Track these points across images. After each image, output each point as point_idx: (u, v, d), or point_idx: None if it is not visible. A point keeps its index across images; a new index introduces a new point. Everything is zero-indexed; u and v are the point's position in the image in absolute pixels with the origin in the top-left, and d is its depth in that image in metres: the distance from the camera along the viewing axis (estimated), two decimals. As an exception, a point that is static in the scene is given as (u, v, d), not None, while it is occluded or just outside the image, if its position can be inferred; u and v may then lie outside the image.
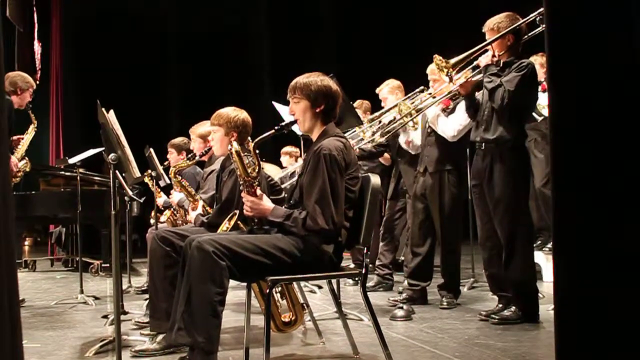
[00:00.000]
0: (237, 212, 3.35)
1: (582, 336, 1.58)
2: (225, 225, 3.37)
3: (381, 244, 5.58)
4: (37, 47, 9.48)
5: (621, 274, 1.54)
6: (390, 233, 5.59)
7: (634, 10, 1.56)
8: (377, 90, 5.36)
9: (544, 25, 3.75)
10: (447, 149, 4.57)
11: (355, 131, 4.99)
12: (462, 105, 4.50)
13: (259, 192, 2.93)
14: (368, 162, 5.76)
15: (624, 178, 1.55)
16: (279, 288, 3.28)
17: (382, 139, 4.98)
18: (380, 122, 5.01)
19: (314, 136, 3.03)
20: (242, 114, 3.77)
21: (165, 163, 5.29)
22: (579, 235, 1.59)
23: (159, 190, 5.34)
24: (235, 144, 2.98)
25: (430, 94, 4.63)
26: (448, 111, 4.55)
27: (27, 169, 5.34)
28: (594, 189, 1.58)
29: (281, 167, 7.35)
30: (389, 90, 5.28)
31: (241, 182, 2.96)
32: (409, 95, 4.88)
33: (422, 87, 4.73)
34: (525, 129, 5.49)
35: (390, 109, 4.92)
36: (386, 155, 5.59)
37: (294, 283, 3.40)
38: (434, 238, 4.70)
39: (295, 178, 3.26)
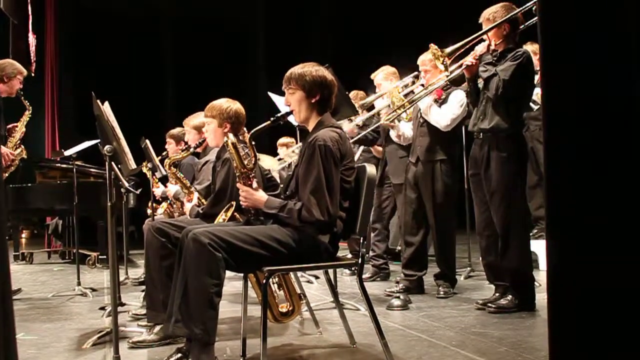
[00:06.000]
0: (234, 203, 3.35)
1: (576, 321, 1.59)
2: (221, 216, 3.37)
3: (372, 234, 5.59)
4: (31, 39, 9.42)
5: (615, 259, 1.55)
6: (379, 222, 5.60)
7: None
8: (372, 76, 5.34)
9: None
10: (439, 138, 4.58)
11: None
12: (454, 96, 4.52)
13: (255, 184, 2.93)
14: (363, 153, 5.76)
15: (617, 164, 1.56)
16: (276, 279, 3.28)
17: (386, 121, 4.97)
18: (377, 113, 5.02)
19: (310, 127, 3.03)
20: (235, 105, 3.76)
21: (164, 153, 5.29)
22: (573, 220, 1.60)
23: (157, 181, 5.34)
24: (231, 135, 2.97)
25: (422, 84, 4.63)
26: (440, 101, 4.56)
27: (24, 156, 5.27)
28: (588, 175, 1.58)
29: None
30: (383, 76, 5.25)
31: (237, 174, 2.95)
32: (403, 80, 4.89)
33: (416, 73, 4.73)
34: (530, 118, 5.54)
35: (383, 94, 4.93)
36: (378, 147, 5.58)
37: (291, 273, 3.40)
38: (427, 228, 4.72)
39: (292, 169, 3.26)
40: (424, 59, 4.49)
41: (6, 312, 1.50)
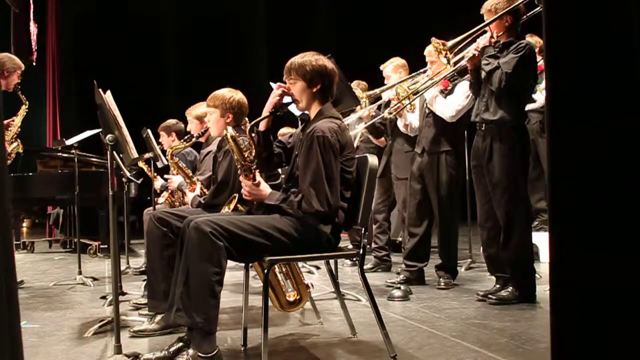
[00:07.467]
0: (237, 195, 3.35)
1: (578, 314, 1.59)
2: (224, 210, 3.38)
3: (373, 227, 5.59)
4: (33, 28, 9.40)
5: (618, 252, 1.55)
6: (379, 214, 5.60)
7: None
8: (381, 67, 5.33)
9: (542, 6, 3.74)
10: (444, 130, 4.57)
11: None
12: (460, 87, 4.50)
13: (257, 176, 2.93)
14: (363, 143, 5.73)
15: (620, 157, 1.56)
16: (283, 268, 3.29)
17: (390, 115, 4.94)
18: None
19: (312, 116, 3.02)
20: (237, 95, 3.75)
21: (158, 147, 5.27)
22: (576, 213, 1.60)
23: (156, 175, 5.33)
24: (230, 129, 2.95)
25: (427, 75, 4.61)
26: (446, 92, 4.55)
27: (20, 150, 5.23)
28: (592, 168, 1.58)
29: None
30: (392, 69, 5.24)
31: (238, 167, 2.95)
32: (412, 75, 4.87)
33: (426, 68, 4.71)
34: (530, 111, 5.51)
35: (391, 86, 4.91)
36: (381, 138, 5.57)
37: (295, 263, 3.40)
38: (431, 219, 4.71)
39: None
40: (430, 50, 4.47)
41: (12, 301, 1.51)
